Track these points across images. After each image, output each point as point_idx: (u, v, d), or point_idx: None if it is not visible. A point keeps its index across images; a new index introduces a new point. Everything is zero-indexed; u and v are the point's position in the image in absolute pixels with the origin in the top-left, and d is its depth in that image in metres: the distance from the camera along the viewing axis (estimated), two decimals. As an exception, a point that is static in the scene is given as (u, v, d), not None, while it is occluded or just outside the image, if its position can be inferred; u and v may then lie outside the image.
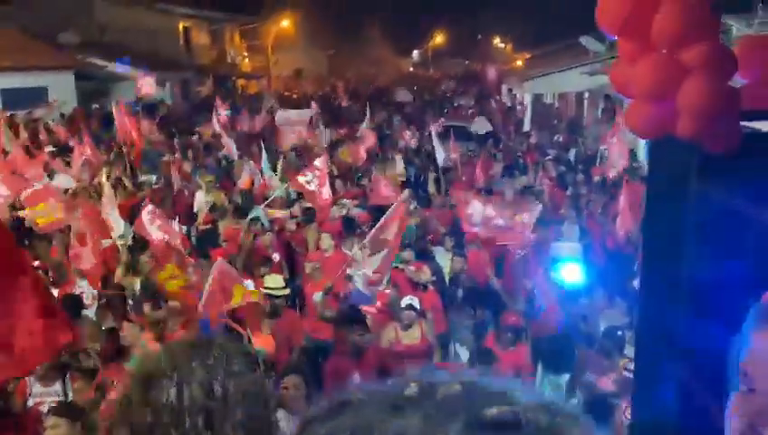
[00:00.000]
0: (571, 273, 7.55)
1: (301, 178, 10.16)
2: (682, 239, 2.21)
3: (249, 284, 7.43)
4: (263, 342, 6.06)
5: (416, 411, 0.64)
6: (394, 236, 6.95)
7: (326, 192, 10.18)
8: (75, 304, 6.45)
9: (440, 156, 14.44)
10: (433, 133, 15.32)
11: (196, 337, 1.41)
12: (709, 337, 1.99)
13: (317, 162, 10.45)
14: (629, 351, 7.66)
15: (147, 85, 20.96)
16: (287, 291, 6.94)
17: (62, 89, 24.69)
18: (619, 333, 6.44)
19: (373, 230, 7.07)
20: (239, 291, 6.51)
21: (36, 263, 7.39)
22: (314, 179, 10.00)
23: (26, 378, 5.29)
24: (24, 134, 15.77)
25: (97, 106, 23.43)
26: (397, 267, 8.36)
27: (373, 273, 6.87)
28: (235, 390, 1.22)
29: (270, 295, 6.68)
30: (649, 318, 2.30)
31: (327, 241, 8.44)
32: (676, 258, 2.21)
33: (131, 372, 1.35)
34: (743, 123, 2.14)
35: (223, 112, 19.21)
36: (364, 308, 6.65)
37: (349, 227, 9.30)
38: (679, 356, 2.09)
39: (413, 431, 0.62)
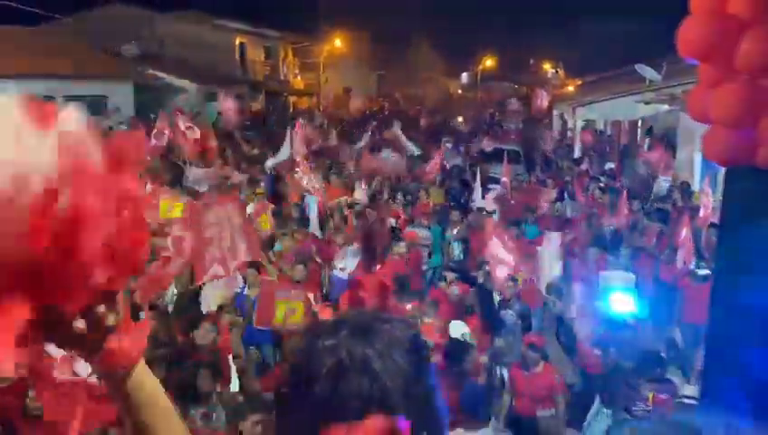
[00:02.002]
0: (622, 303, 7.26)
1: (296, 176, 11.34)
2: (756, 268, 2.17)
3: (292, 294, 7.42)
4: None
5: None
6: None
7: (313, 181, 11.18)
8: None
9: (477, 193, 13.86)
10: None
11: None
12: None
13: (297, 158, 11.95)
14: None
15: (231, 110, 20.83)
16: None
17: (120, 98, 25.49)
18: (662, 355, 6.26)
19: None
20: (281, 311, 6.69)
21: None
22: (303, 176, 11.16)
23: None
24: None
25: (154, 116, 24.03)
26: (438, 286, 8.39)
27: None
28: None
29: None
30: (719, 346, 2.25)
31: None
32: (748, 287, 2.17)
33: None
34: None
35: None
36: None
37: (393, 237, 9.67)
38: (750, 386, 2.04)
39: None
